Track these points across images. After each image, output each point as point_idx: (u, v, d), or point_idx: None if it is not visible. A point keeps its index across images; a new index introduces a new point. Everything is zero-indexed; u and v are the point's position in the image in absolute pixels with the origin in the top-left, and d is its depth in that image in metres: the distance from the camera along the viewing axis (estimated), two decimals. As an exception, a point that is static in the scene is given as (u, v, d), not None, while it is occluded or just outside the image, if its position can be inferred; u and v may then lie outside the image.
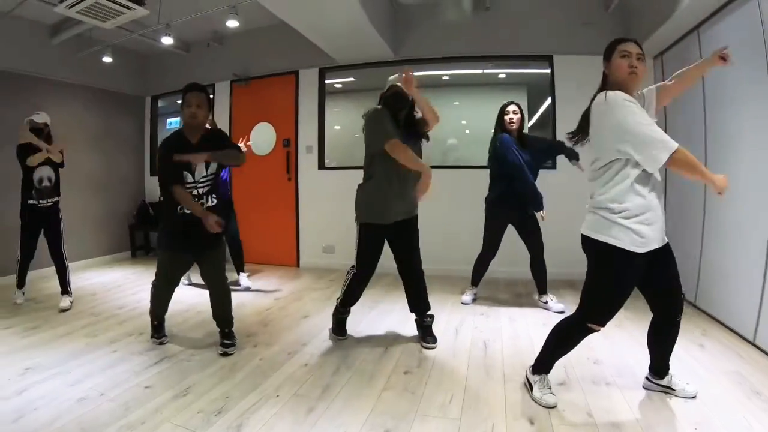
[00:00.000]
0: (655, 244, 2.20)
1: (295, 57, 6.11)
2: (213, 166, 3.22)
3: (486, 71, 6.46)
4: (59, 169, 4.49)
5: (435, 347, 3.35)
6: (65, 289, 4.42)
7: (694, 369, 2.89)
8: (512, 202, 4.10)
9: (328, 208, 6.06)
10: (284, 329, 3.78)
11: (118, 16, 4.64)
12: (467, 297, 4.43)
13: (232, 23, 5.08)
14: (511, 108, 4.09)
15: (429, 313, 3.49)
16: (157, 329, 3.47)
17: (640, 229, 2.14)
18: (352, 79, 6.58)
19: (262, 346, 3.38)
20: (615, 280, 2.25)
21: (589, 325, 2.34)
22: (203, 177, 3.17)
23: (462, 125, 7.13)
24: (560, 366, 2.83)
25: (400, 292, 4.29)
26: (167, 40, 5.52)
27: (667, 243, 2.31)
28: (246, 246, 5.17)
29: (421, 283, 3.47)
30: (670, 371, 2.56)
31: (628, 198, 2.15)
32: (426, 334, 3.44)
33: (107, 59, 6.06)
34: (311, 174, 6.19)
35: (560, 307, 4.12)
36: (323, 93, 6.22)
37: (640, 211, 2.14)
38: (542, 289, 4.26)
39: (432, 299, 3.51)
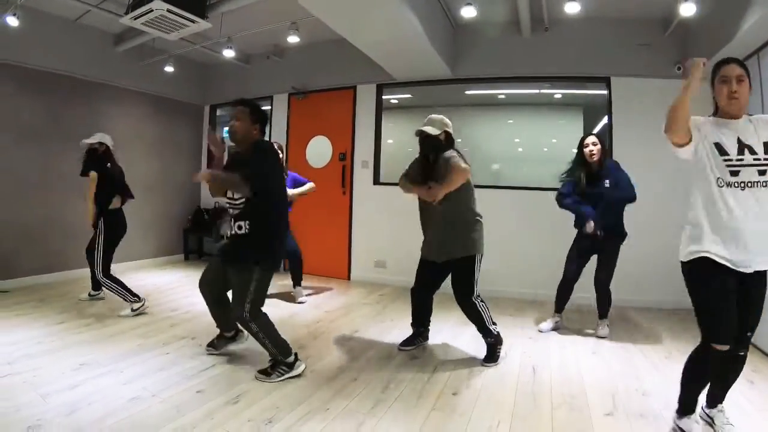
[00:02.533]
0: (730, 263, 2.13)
1: (353, 72, 6.15)
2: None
3: (542, 91, 6.37)
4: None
5: (491, 366, 3.33)
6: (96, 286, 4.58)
7: (742, 405, 2.71)
8: (580, 231, 4.09)
9: (382, 223, 6.05)
10: (334, 343, 3.74)
11: (181, 29, 4.76)
12: (546, 325, 4.23)
13: (293, 39, 5.19)
14: (590, 140, 3.99)
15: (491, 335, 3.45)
16: (218, 336, 3.42)
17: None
18: (408, 95, 6.58)
19: (312, 359, 3.34)
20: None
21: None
22: (231, 199, 3.02)
23: (515, 144, 7.04)
24: (608, 395, 2.85)
25: (449, 312, 4.24)
26: (229, 53, 5.67)
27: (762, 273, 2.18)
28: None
29: (470, 316, 3.44)
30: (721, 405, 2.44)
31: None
32: (486, 353, 3.43)
33: (169, 69, 6.26)
34: (366, 188, 6.20)
35: (605, 332, 4.04)
36: (380, 109, 6.24)
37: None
38: (602, 314, 4.11)
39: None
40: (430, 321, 3.74)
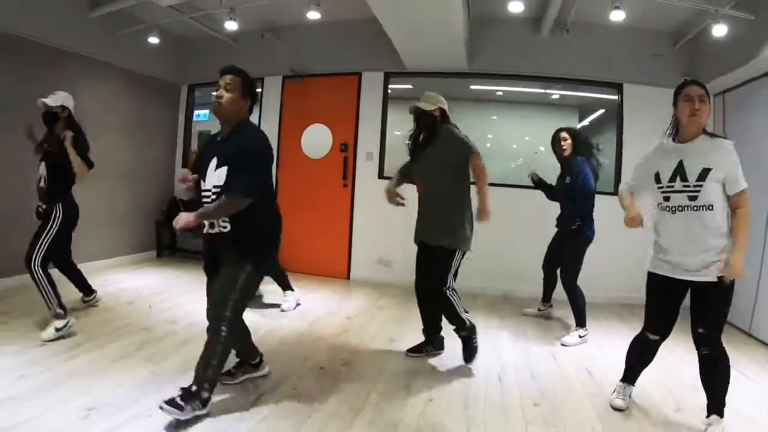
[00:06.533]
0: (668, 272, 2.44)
1: (359, 58, 5.80)
2: (221, 173, 2.44)
3: (546, 91, 6.44)
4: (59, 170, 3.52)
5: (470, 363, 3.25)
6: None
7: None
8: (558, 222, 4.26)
9: (387, 219, 5.56)
10: (379, 357, 3.37)
11: (178, -7, 4.16)
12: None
13: (313, 14, 4.87)
14: (562, 135, 4.08)
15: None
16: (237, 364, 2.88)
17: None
18: (410, 86, 6.17)
19: (369, 379, 2.95)
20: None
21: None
22: (213, 186, 2.48)
23: (507, 140, 7.14)
24: (667, 394, 2.91)
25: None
26: (231, 25, 5.13)
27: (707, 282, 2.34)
28: (292, 254, 5.07)
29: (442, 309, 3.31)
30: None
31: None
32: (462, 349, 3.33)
33: (154, 40, 5.57)
34: (370, 182, 5.83)
35: (570, 341, 3.89)
36: (386, 98, 5.89)
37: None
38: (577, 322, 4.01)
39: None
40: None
